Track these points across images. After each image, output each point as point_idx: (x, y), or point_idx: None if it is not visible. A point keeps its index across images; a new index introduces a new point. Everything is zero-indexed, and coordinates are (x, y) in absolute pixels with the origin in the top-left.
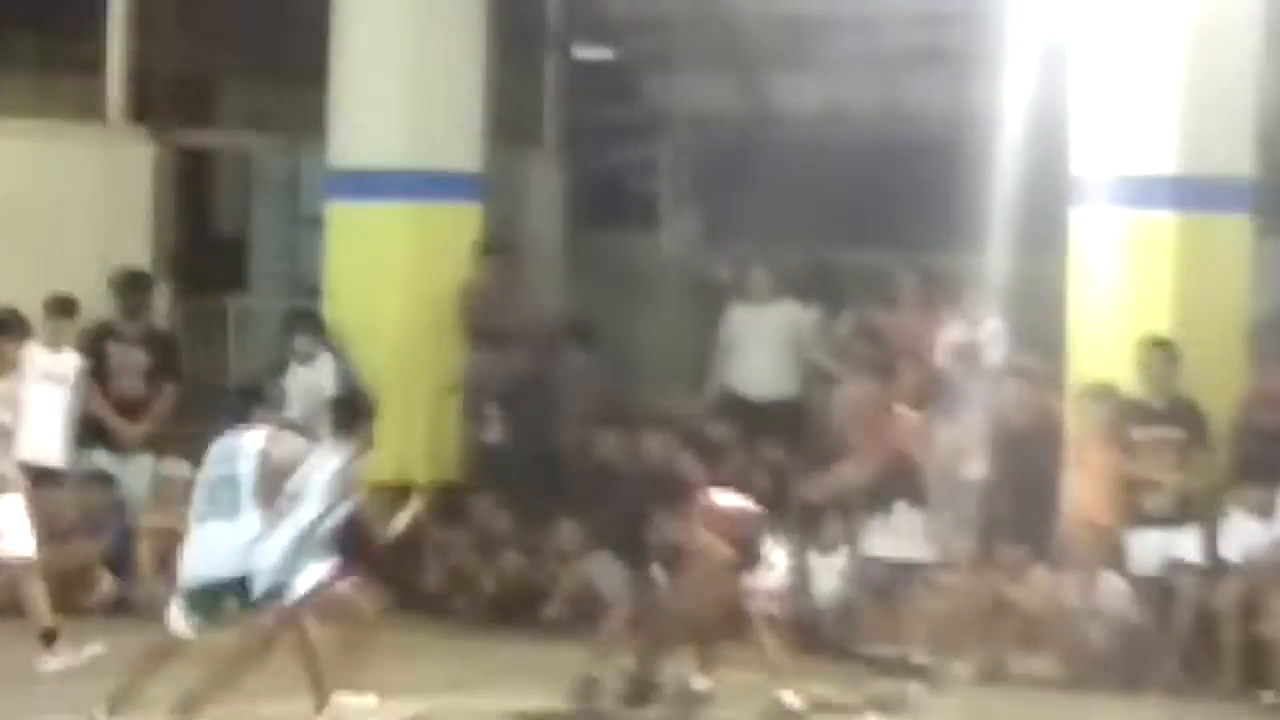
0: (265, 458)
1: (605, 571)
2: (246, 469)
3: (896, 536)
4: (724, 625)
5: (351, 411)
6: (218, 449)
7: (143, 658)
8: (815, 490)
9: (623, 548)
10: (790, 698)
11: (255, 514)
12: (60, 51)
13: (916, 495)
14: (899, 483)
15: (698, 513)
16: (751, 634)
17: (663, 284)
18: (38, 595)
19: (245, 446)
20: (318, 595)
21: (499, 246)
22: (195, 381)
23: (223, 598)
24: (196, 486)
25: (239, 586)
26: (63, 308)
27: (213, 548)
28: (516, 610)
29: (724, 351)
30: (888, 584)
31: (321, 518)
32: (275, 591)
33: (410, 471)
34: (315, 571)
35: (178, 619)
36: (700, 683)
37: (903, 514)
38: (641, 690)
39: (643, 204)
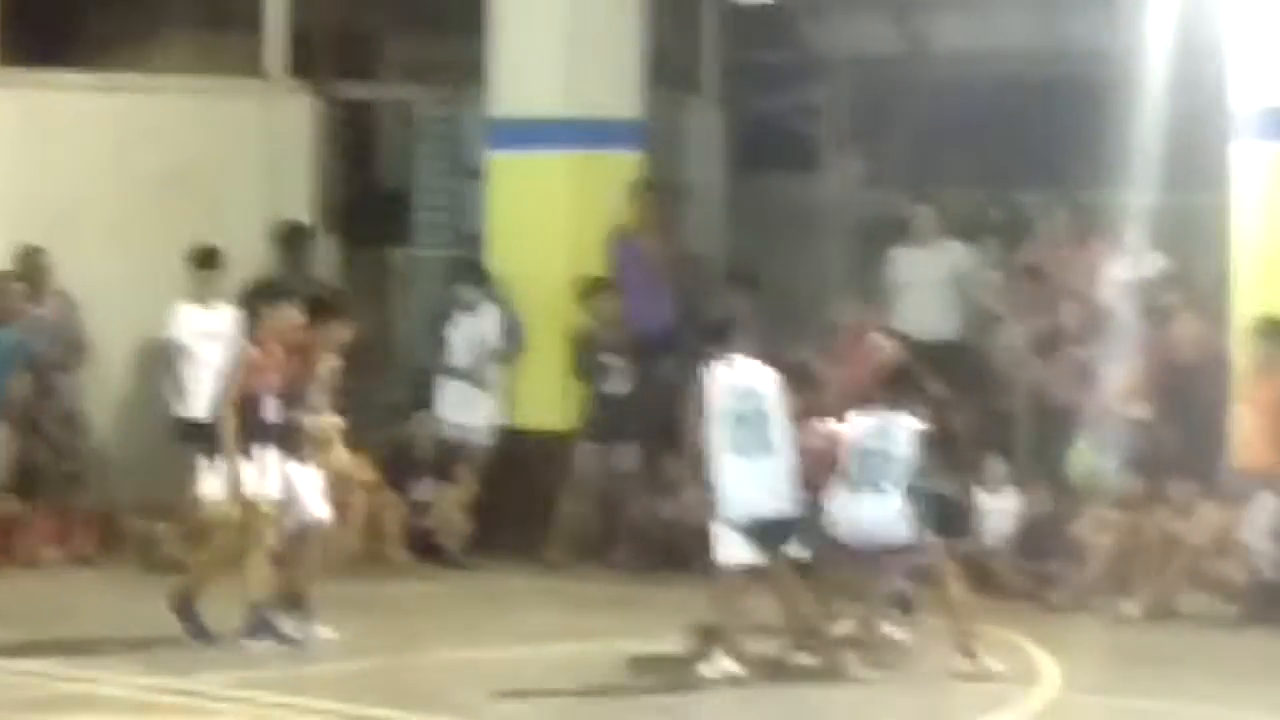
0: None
1: None
2: (771, 405)
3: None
4: None
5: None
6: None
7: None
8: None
9: None
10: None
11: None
12: (221, 8)
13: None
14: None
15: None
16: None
17: (825, 227)
18: (314, 560)
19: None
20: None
21: (658, 185)
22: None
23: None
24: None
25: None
26: (205, 259)
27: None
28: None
29: (888, 293)
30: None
31: None
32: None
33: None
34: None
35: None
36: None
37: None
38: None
39: (803, 148)
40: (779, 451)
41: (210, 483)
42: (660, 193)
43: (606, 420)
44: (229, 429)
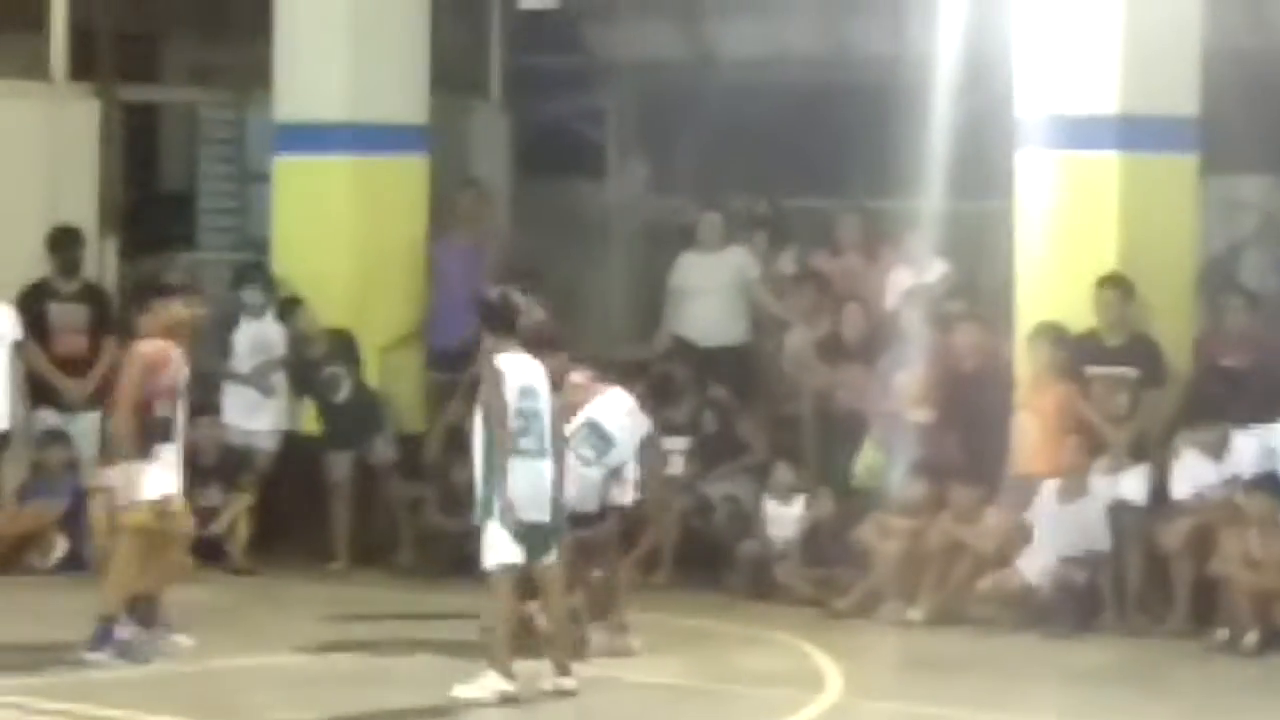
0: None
1: None
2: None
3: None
4: None
5: None
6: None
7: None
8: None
9: None
10: None
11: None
12: (3, 9)
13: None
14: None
15: None
16: None
17: (610, 232)
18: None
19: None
20: None
21: (469, 183)
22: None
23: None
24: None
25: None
26: None
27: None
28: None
29: (673, 298)
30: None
31: None
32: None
33: None
34: None
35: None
36: None
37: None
38: None
39: (589, 153)
40: (552, 454)
41: (117, 486)
42: (479, 193)
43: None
44: (130, 430)
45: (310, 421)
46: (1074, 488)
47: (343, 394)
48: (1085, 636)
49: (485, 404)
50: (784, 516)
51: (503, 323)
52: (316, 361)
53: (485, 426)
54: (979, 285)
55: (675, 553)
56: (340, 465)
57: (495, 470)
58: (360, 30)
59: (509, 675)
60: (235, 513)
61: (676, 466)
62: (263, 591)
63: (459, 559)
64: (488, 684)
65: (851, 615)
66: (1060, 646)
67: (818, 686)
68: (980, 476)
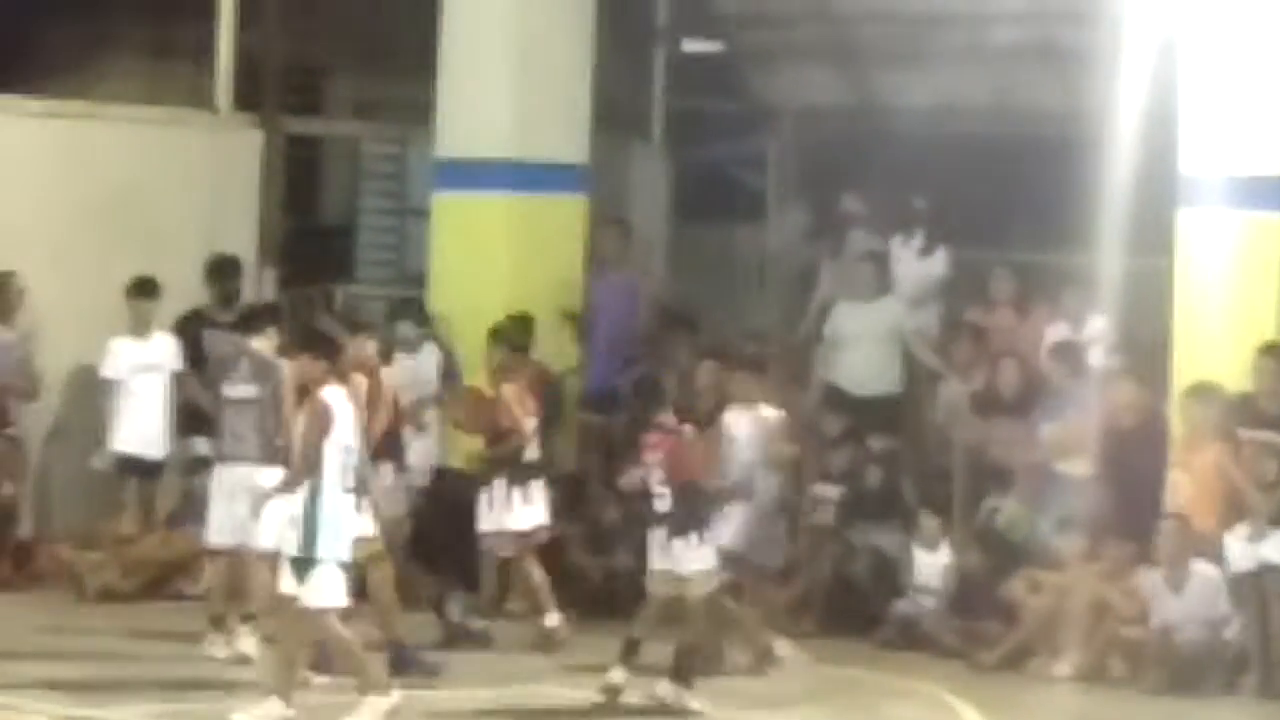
0: None
1: None
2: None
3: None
4: None
5: None
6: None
7: None
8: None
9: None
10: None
11: None
12: (171, 39)
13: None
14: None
15: None
16: None
17: (767, 277)
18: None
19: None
20: None
21: (615, 222)
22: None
23: None
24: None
25: None
26: (142, 289)
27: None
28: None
29: (828, 347)
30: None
31: None
32: None
33: None
34: None
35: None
36: None
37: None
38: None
39: (748, 197)
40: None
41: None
42: (623, 228)
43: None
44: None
45: (459, 456)
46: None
47: None
48: (1228, 699)
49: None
50: (931, 565)
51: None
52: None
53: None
54: (1136, 342)
55: (824, 601)
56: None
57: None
58: (523, 69)
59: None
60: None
61: (827, 515)
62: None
63: (601, 599)
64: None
65: (998, 669)
66: (1205, 707)
67: None
68: (1133, 534)
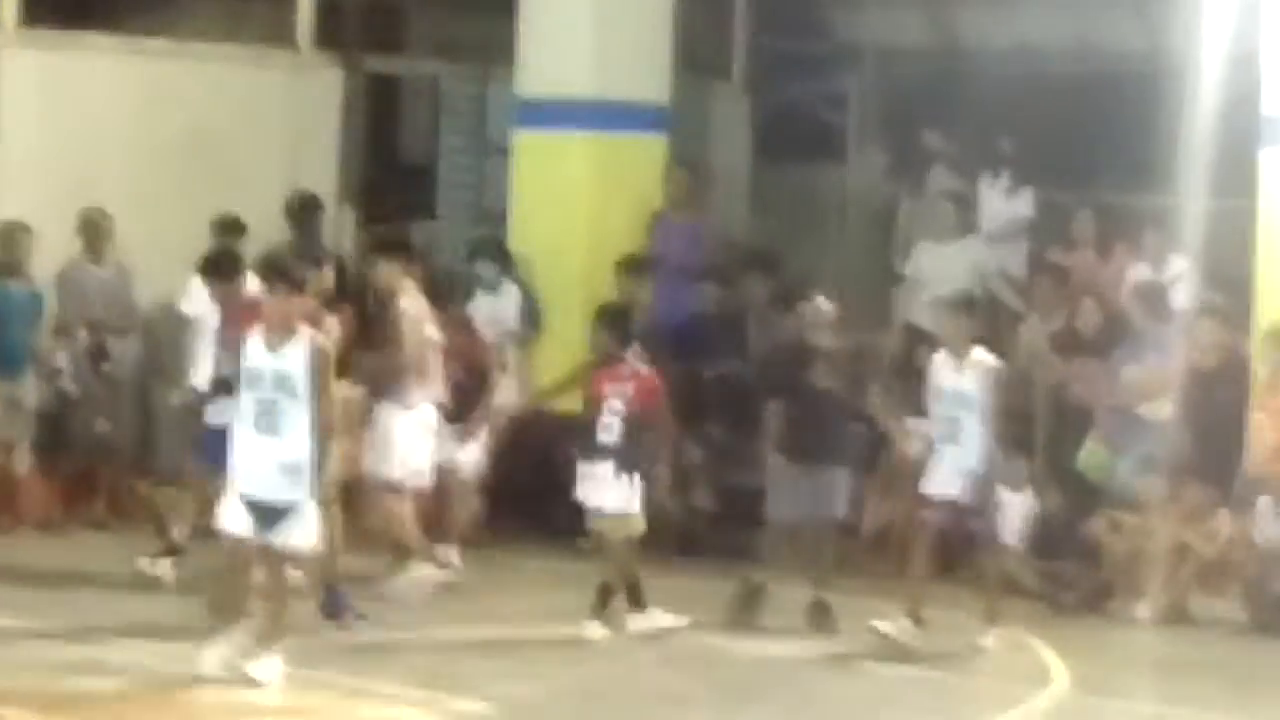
0: None
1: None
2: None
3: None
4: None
5: None
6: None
7: None
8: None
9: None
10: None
11: None
12: None
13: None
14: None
15: None
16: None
17: (848, 217)
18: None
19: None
20: None
21: (690, 165)
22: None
23: None
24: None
25: None
26: (226, 227)
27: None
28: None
29: (908, 287)
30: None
31: None
32: None
33: None
34: None
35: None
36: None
37: None
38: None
39: (829, 137)
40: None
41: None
42: (692, 172)
43: None
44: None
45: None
46: None
47: None
48: None
49: None
50: (1014, 504)
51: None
52: None
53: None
54: (1218, 283)
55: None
56: None
57: None
58: (604, 8)
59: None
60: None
61: (918, 450)
62: (492, 564)
63: (683, 540)
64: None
65: (1077, 610)
66: None
67: (1044, 680)
68: (1213, 476)
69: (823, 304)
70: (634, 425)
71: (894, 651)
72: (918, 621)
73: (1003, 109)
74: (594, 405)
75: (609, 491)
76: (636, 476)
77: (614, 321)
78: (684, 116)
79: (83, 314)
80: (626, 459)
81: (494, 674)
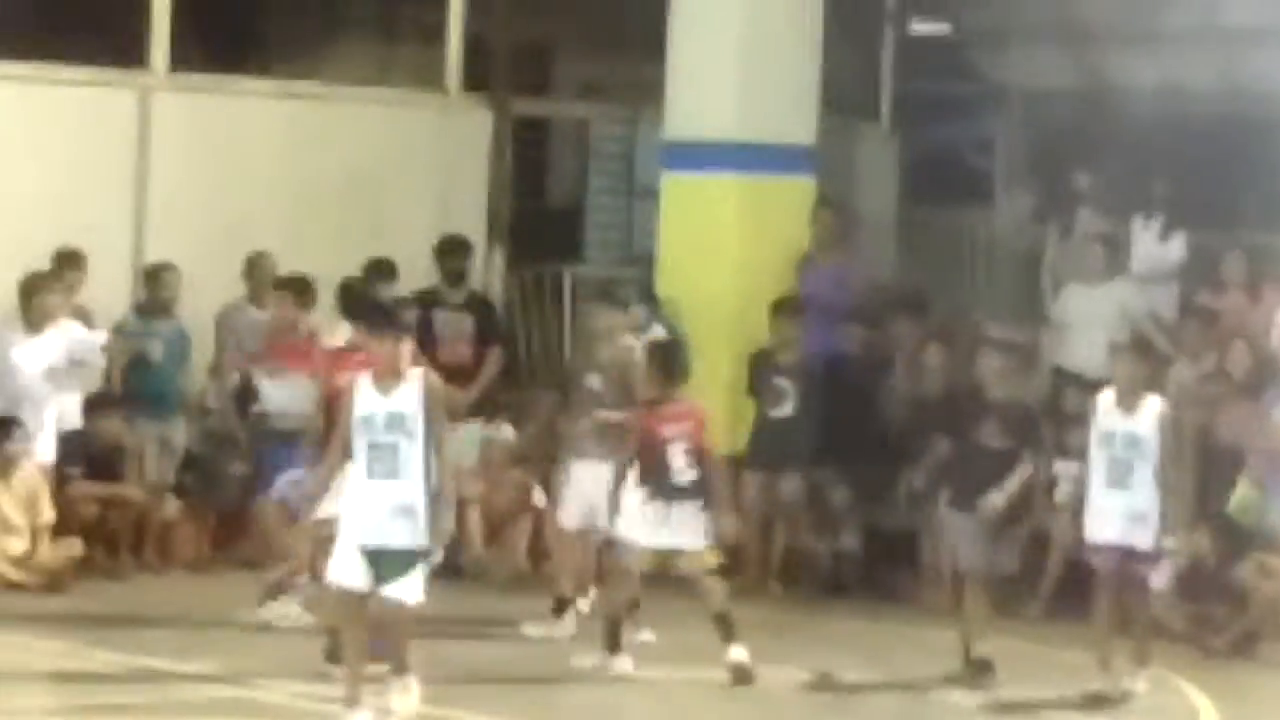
0: None
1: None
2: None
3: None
4: None
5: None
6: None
7: None
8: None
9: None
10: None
11: None
12: (401, 20)
13: None
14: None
15: None
16: None
17: (995, 259)
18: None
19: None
20: None
21: (836, 205)
22: (529, 349)
23: None
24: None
25: None
26: (379, 270)
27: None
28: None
29: (1056, 330)
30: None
31: None
32: None
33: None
34: None
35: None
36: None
37: None
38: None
39: (976, 180)
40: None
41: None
42: (838, 214)
43: (771, 445)
44: None
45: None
46: None
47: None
48: None
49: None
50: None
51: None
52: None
53: None
54: None
55: (1055, 583)
56: (790, 485)
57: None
58: (752, 50)
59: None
60: None
61: (1065, 494)
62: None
63: (830, 582)
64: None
65: (1227, 654)
66: None
67: None
68: None
69: (997, 355)
70: (701, 460)
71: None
72: (1106, 668)
73: (1150, 150)
74: (653, 447)
75: (691, 529)
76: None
77: (663, 360)
78: (831, 158)
79: (238, 355)
80: (706, 495)
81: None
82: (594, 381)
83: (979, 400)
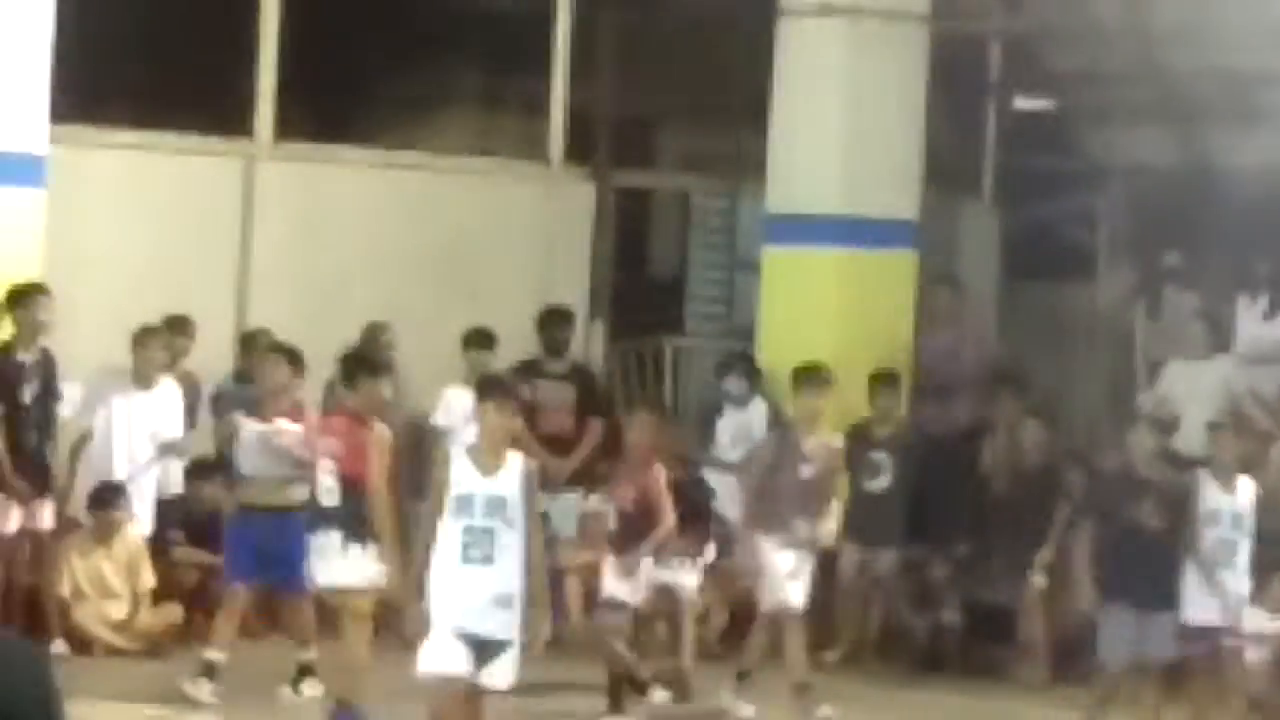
0: None
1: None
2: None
3: None
4: None
5: None
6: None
7: None
8: None
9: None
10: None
11: None
12: (504, 91)
13: None
14: None
15: None
16: None
17: (1098, 336)
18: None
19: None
20: None
21: (945, 280)
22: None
23: None
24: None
25: None
26: (479, 340)
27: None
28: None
29: (1162, 406)
30: None
31: None
32: None
33: None
34: None
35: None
36: None
37: None
38: None
39: (1078, 256)
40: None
41: None
42: (952, 288)
43: (867, 520)
44: None
45: None
46: None
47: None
48: None
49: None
50: (1264, 629)
51: None
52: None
53: None
54: None
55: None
56: (885, 560)
57: None
58: (854, 124)
59: None
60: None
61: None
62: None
63: (927, 657)
64: None
65: None
66: None
67: None
68: None
69: (1147, 435)
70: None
71: None
72: None
73: (1253, 228)
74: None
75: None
76: None
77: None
78: (933, 233)
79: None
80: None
81: None
82: None
83: (1131, 479)
